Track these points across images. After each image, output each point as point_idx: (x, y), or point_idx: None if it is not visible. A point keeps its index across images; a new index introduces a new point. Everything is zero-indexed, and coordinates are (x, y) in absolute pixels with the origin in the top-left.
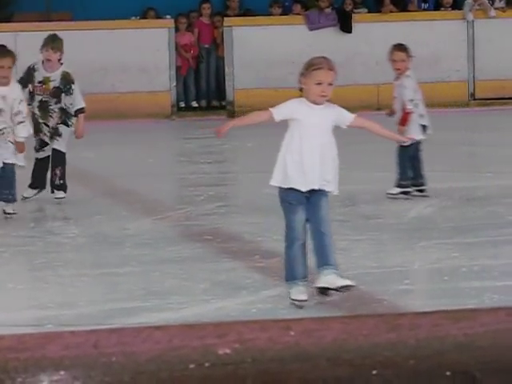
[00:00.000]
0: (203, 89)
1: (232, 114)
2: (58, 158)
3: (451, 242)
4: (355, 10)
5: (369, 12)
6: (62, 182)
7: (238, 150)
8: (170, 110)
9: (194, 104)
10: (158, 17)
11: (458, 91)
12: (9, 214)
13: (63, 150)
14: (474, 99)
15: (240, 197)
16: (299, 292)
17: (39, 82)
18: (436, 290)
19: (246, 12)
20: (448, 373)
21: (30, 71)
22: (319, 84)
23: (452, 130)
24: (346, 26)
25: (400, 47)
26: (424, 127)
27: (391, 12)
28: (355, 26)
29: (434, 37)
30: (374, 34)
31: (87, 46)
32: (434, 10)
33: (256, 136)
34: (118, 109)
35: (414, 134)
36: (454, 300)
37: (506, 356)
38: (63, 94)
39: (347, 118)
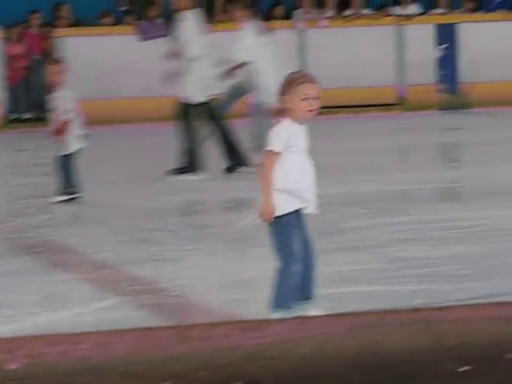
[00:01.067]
0: (34, 100)
1: None
2: None
3: None
4: None
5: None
6: None
7: None
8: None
9: (26, 116)
10: None
11: None
12: None
13: None
14: None
15: (71, 208)
16: None
17: None
18: (268, 299)
19: (77, 22)
20: (238, 383)
21: None
22: (306, 99)
23: None
24: None
25: (56, 60)
26: (82, 136)
27: (222, 22)
28: None
29: None
30: None
31: None
32: (265, 19)
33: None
34: None
35: (72, 143)
36: (336, 304)
37: (297, 365)
38: None
39: None
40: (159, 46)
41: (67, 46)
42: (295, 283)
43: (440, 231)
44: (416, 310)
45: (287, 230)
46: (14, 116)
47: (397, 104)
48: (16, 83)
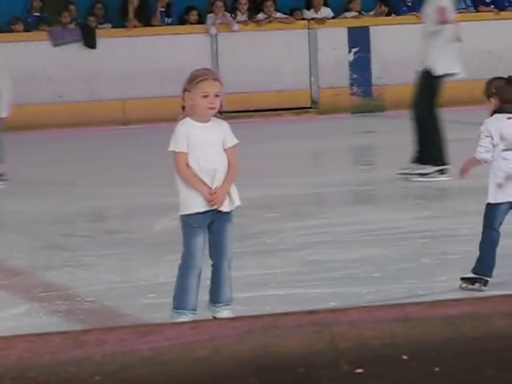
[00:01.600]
0: None
1: None
2: None
3: None
4: (99, 26)
5: (113, 27)
6: None
7: None
8: None
9: None
10: None
11: None
12: None
13: None
14: (220, 113)
15: None
16: None
17: None
18: None
19: None
20: None
21: None
22: (206, 96)
23: None
24: (89, 42)
25: None
26: None
27: (135, 27)
28: (99, 41)
29: (178, 51)
30: (118, 49)
31: None
32: (178, 24)
33: None
34: None
35: None
36: (198, 312)
37: (191, 369)
38: None
39: (228, 140)
40: (72, 52)
41: None
42: (188, 284)
43: (352, 234)
44: (311, 312)
45: (187, 230)
46: None
47: (310, 107)
48: None
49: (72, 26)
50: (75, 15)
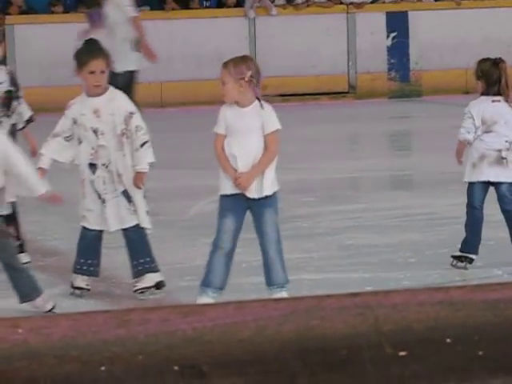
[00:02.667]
0: None
1: None
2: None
3: None
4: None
5: (151, 10)
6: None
7: None
8: None
9: None
10: None
11: None
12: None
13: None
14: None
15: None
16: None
17: None
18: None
19: (28, 10)
20: (176, 367)
21: None
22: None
23: None
24: None
25: None
26: None
27: (173, 10)
28: None
29: (216, 34)
30: (156, 31)
31: None
32: (217, 7)
33: None
34: None
35: None
36: (233, 295)
37: (234, 349)
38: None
39: (267, 126)
40: None
41: (17, 34)
42: (213, 262)
43: (389, 219)
44: (355, 294)
45: (219, 211)
46: None
47: (347, 92)
48: None
49: None
50: None
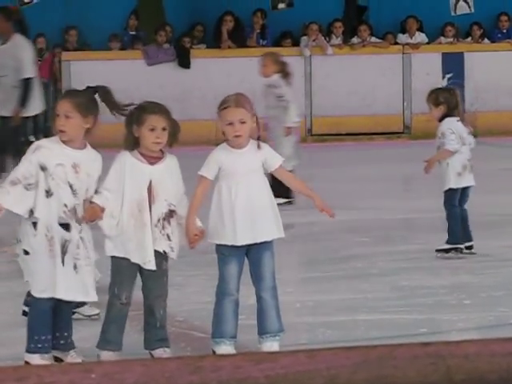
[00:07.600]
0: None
1: None
2: None
3: (285, 277)
4: (194, 46)
5: (207, 48)
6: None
7: None
8: None
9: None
10: None
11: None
12: None
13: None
14: (311, 135)
15: None
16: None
17: None
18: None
19: (83, 46)
20: None
21: None
22: (231, 124)
23: None
24: (183, 62)
25: None
26: None
27: (229, 48)
28: (193, 62)
29: None
30: (211, 69)
31: None
32: (273, 46)
33: None
34: None
35: None
36: (287, 335)
37: None
38: None
39: (274, 162)
40: (166, 71)
41: (74, 70)
42: (223, 312)
43: (442, 260)
44: (427, 344)
45: (220, 258)
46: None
47: (402, 132)
48: None
49: (167, 45)
50: (170, 35)
